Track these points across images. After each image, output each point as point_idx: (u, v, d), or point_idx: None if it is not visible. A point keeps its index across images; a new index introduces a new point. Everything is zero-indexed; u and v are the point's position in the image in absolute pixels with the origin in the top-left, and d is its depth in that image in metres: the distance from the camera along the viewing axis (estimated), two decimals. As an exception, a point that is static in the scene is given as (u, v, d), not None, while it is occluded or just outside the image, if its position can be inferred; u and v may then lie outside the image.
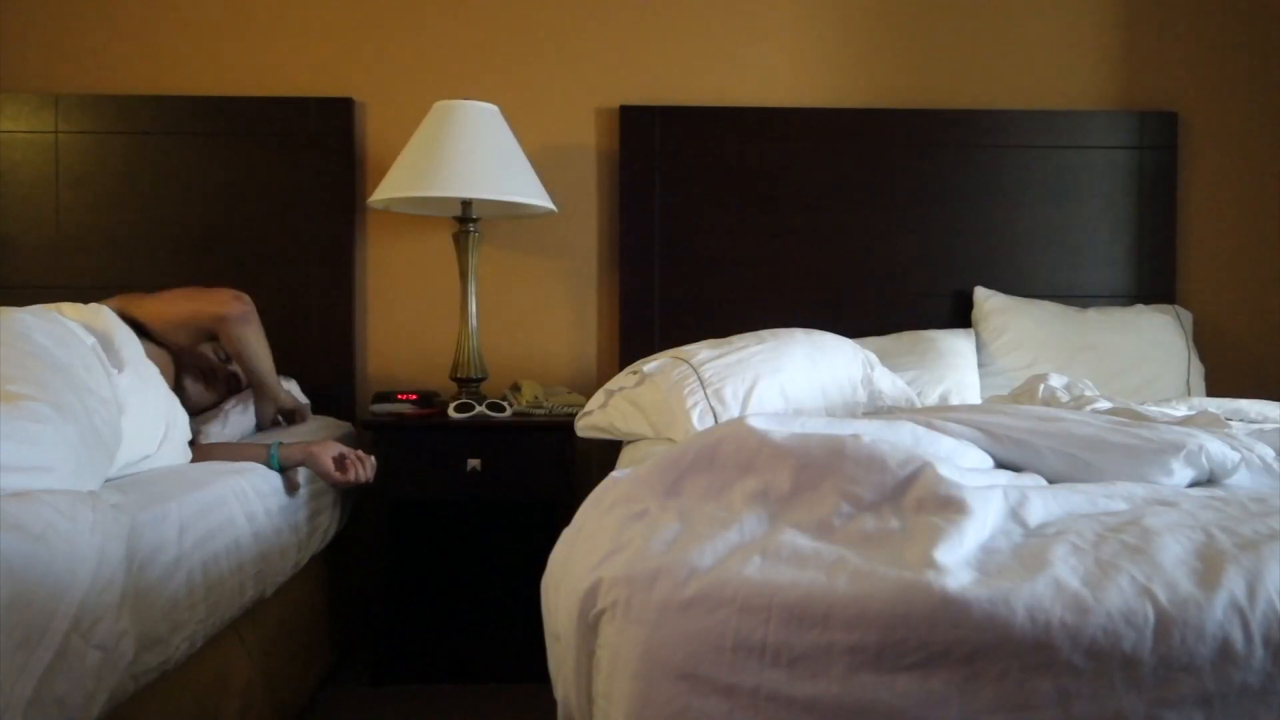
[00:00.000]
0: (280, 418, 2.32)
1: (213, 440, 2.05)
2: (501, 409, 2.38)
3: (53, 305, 1.79)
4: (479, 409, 2.36)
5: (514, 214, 2.66)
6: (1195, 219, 2.85)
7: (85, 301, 2.00)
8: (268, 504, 1.87)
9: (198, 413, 2.10)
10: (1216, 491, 1.27)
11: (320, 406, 2.57)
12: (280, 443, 1.99)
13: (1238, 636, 0.88)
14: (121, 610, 1.31)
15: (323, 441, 2.06)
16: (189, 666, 1.56)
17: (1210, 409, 1.84)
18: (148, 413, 1.68)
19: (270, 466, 1.97)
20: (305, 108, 2.68)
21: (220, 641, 1.70)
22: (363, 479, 2.06)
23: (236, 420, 2.16)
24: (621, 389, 2.04)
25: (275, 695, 1.93)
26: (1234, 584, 0.91)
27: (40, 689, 1.13)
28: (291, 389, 2.41)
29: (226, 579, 1.67)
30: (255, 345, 2.12)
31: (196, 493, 1.64)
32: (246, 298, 2.10)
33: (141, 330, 1.97)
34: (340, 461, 2.04)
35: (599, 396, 2.10)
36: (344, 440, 2.46)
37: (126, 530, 1.37)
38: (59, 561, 1.18)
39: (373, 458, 2.10)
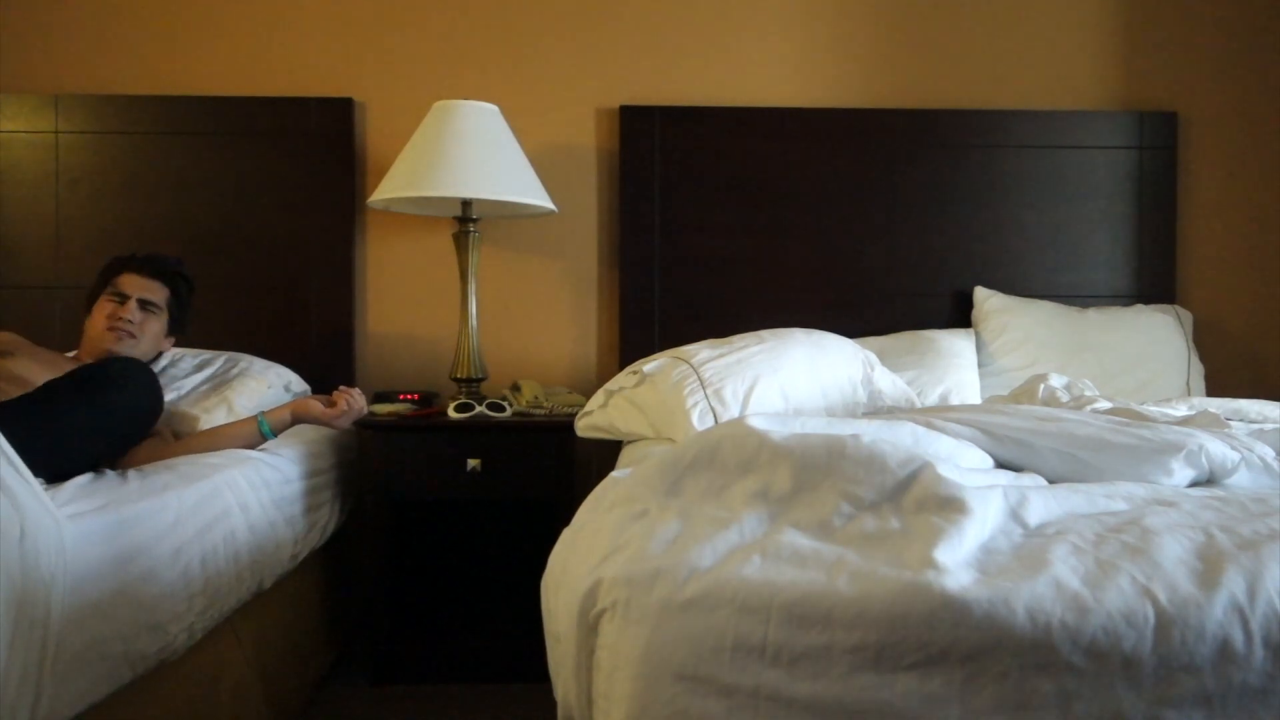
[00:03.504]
0: None
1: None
2: (501, 409, 2.38)
3: None
4: (479, 409, 2.36)
5: (514, 214, 2.66)
6: (1195, 219, 2.84)
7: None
8: (260, 495, 1.89)
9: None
10: (1216, 491, 1.27)
11: (320, 406, 2.57)
12: (263, 412, 2.05)
13: (1238, 636, 0.88)
14: (113, 605, 1.32)
15: (301, 398, 2.15)
16: (183, 663, 1.56)
17: (1210, 409, 1.83)
18: None
19: (264, 435, 2.00)
20: (305, 108, 2.68)
21: (215, 639, 1.71)
22: (356, 407, 2.10)
23: (243, 405, 2.18)
24: (621, 389, 2.03)
25: (271, 694, 1.93)
26: (1234, 584, 0.91)
27: (45, 675, 1.14)
28: (292, 383, 2.42)
29: (224, 570, 1.68)
30: None
31: (192, 485, 1.66)
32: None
33: None
34: (329, 403, 2.09)
35: (599, 396, 2.10)
36: (344, 439, 2.46)
37: (106, 528, 1.37)
38: (43, 559, 1.19)
39: (357, 388, 2.15)
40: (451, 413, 2.34)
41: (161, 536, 1.50)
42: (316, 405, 2.07)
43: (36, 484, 1.25)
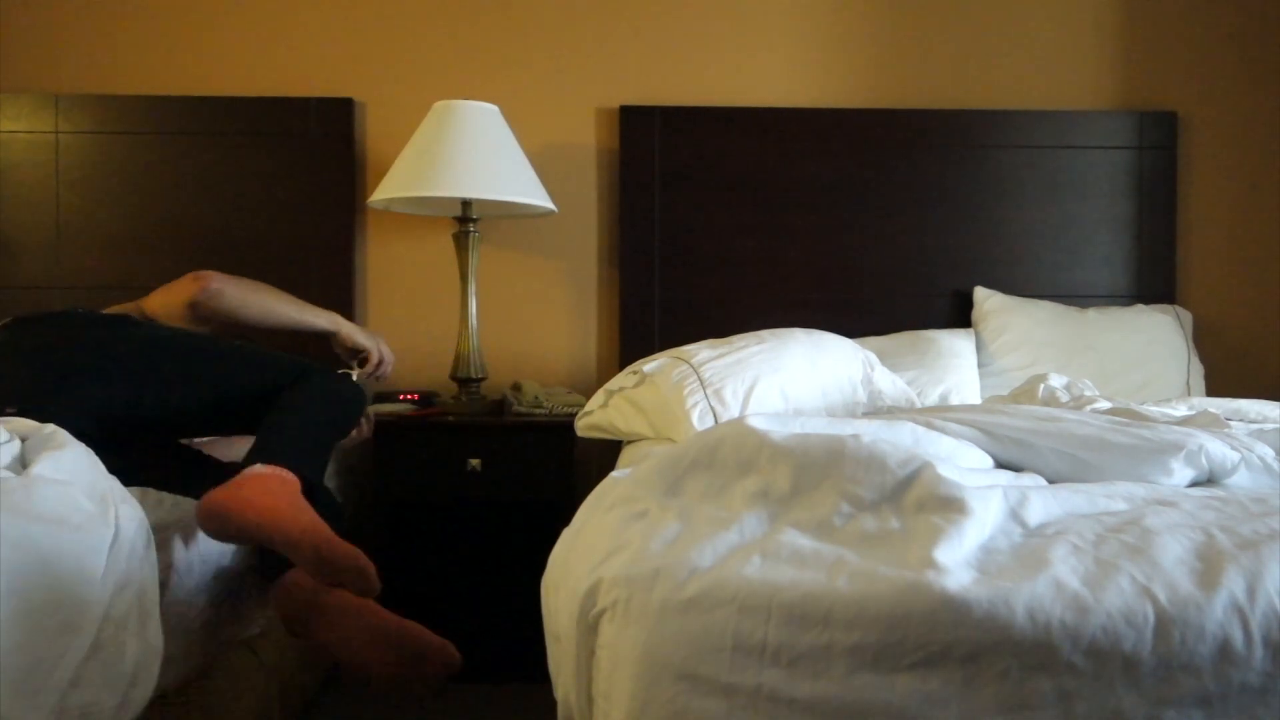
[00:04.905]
0: (353, 362, 2.20)
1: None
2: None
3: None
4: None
5: (514, 214, 2.66)
6: (1195, 219, 2.84)
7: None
8: None
9: None
10: (1216, 491, 1.27)
11: (320, 406, 2.56)
12: None
13: (1238, 636, 0.88)
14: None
15: None
16: (204, 684, 1.55)
17: (1210, 409, 1.83)
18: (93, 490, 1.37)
19: None
20: (305, 108, 2.68)
21: (235, 658, 1.69)
22: (368, 433, 2.12)
23: None
24: (621, 389, 2.03)
25: (287, 702, 1.92)
26: (1234, 584, 0.91)
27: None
28: None
29: (229, 602, 1.67)
30: (241, 304, 2.01)
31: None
32: (205, 274, 2.00)
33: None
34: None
35: (599, 396, 2.10)
36: (344, 445, 2.45)
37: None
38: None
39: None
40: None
41: (176, 566, 1.50)
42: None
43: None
